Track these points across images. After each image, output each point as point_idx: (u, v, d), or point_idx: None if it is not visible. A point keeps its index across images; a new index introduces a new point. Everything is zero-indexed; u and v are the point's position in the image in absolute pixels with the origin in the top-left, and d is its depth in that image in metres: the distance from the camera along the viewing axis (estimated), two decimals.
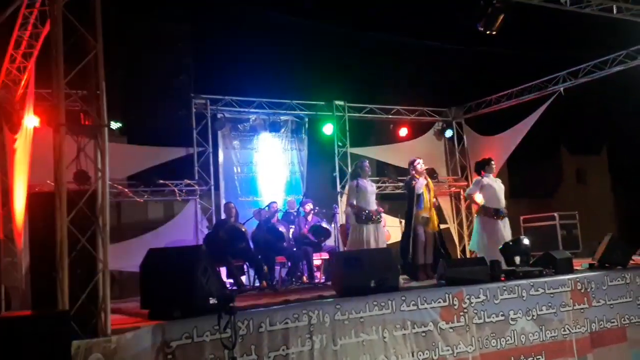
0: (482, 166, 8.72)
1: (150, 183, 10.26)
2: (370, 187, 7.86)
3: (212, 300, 5.11)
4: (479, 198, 8.54)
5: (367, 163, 8.05)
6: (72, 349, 4.15)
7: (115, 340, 4.41)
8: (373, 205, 7.79)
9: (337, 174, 11.86)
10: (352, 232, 7.76)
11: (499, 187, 8.58)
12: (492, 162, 8.75)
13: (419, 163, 8.31)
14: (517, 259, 7.55)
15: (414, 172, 8.28)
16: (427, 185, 8.28)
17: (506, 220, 8.50)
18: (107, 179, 4.77)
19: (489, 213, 8.42)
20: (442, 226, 9.27)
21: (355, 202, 7.75)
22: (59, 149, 4.58)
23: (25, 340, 4.09)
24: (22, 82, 7.96)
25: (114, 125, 9.41)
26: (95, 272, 4.59)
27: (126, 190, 9.91)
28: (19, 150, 7.81)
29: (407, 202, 8.36)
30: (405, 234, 8.19)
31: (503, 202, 8.52)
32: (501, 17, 7.91)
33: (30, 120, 7.49)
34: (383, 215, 8.30)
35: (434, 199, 8.43)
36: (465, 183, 13.20)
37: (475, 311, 6.39)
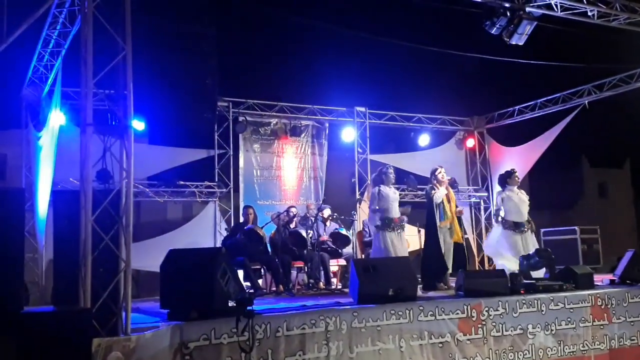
0: (505, 178, 8.60)
1: (170, 183, 10.34)
2: (393, 195, 7.79)
3: (231, 303, 5.12)
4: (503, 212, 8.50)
5: (391, 170, 7.97)
6: (92, 346, 4.19)
7: (135, 339, 4.45)
8: (396, 212, 7.72)
9: (356, 180, 11.84)
10: (375, 239, 7.71)
11: (520, 199, 8.40)
12: (515, 174, 8.61)
13: (440, 172, 8.23)
14: (542, 272, 7.50)
15: (435, 181, 8.22)
16: (447, 195, 8.21)
17: (528, 234, 8.36)
18: (132, 179, 4.82)
19: (509, 225, 8.33)
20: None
21: (377, 209, 7.68)
22: (85, 148, 4.64)
23: (46, 336, 4.14)
24: (50, 80, 8.08)
25: (137, 125, 9.48)
26: (117, 271, 4.63)
27: (147, 190, 9.98)
28: (44, 148, 7.92)
29: (427, 211, 8.30)
30: (429, 244, 8.11)
31: (524, 215, 8.38)
32: (528, 28, 7.86)
33: (56, 118, 7.59)
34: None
35: (458, 207, 8.34)
36: (486, 194, 13.12)
37: (494, 324, 6.34)
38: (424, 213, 8.45)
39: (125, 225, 4.70)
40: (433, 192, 8.11)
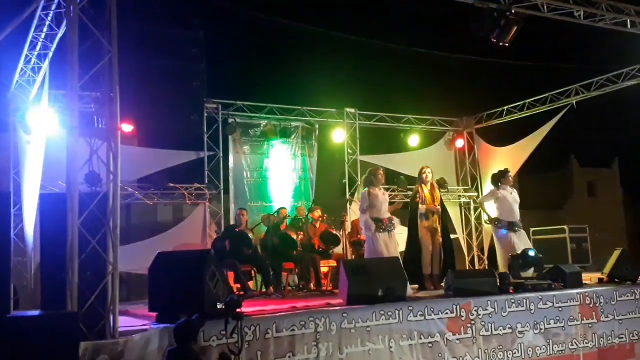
0: (499, 178, 8.65)
1: (160, 186, 10.28)
2: (382, 196, 7.81)
3: (220, 305, 5.11)
4: (489, 208, 8.56)
5: (381, 171, 7.99)
6: (79, 350, 4.17)
7: (123, 342, 4.44)
8: (385, 213, 7.74)
9: (346, 181, 11.85)
10: (367, 241, 7.73)
11: (513, 199, 8.49)
12: (509, 174, 8.68)
13: (424, 172, 8.30)
14: (531, 271, 7.55)
15: (419, 181, 8.29)
16: (432, 194, 8.25)
17: (521, 233, 8.43)
18: (118, 182, 4.80)
19: (503, 225, 8.38)
20: (452, 236, 9.22)
21: (366, 210, 7.70)
22: (71, 150, 4.62)
23: (33, 340, 4.12)
24: (37, 83, 8.03)
25: (126, 128, 9.44)
26: (104, 274, 4.62)
27: (136, 192, 9.94)
28: (32, 150, 7.87)
29: (409, 212, 8.35)
30: (410, 244, 8.16)
31: (517, 214, 8.46)
32: (514, 28, 7.89)
33: (44, 121, 7.54)
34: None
35: (438, 206, 8.37)
36: (475, 193, 13.17)
37: (483, 323, 6.37)
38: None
39: (112, 228, 4.69)
40: (417, 199, 8.16)
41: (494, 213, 8.58)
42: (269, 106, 11.34)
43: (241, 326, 4.95)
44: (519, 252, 8.04)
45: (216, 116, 10.80)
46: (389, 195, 8.29)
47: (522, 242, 8.35)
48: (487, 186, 11.44)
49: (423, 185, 8.24)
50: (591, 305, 7.11)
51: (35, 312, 4.82)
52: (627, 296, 7.42)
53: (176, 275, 5.36)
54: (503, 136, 13.18)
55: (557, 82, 11.74)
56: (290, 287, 9.26)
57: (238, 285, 8.43)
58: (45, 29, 7.13)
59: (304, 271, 9.05)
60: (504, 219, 8.42)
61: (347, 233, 9.92)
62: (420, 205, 8.15)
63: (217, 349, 4.91)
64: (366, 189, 7.81)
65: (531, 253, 7.88)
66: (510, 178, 8.69)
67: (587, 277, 8.13)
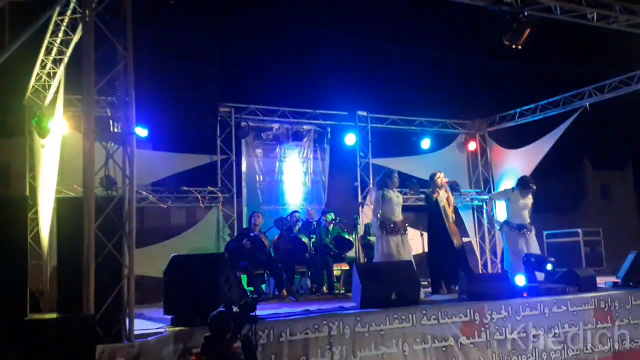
0: (522, 183, 8.61)
1: (174, 189, 10.36)
2: (397, 198, 7.81)
3: (234, 308, 5.13)
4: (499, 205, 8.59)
5: (395, 174, 8.00)
6: (96, 353, 4.20)
7: (139, 345, 4.46)
8: (399, 216, 7.75)
9: (358, 184, 11.85)
10: (379, 243, 7.72)
11: (524, 203, 8.49)
12: (533, 187, 8.59)
13: (439, 177, 8.28)
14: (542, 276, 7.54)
15: (434, 185, 8.26)
16: (447, 198, 8.24)
17: (531, 236, 8.41)
18: (134, 186, 4.84)
19: (513, 228, 8.38)
20: (464, 239, 9.20)
21: (380, 213, 7.70)
22: (88, 155, 4.67)
23: (50, 343, 4.16)
24: (52, 88, 8.11)
25: (141, 132, 9.51)
26: (120, 277, 4.65)
27: (150, 196, 10.00)
28: (47, 155, 7.96)
29: (429, 215, 8.32)
30: (438, 246, 8.12)
31: (527, 218, 8.44)
32: (527, 31, 7.85)
33: (59, 125, 7.62)
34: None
35: (453, 214, 8.36)
36: (488, 196, 13.11)
37: (497, 327, 6.35)
38: (426, 216, 8.48)
39: (128, 231, 4.72)
40: (435, 195, 8.16)
41: (502, 212, 8.62)
42: (281, 109, 11.37)
43: (255, 329, 4.97)
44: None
45: (229, 120, 10.84)
46: (402, 199, 8.27)
47: (532, 245, 8.33)
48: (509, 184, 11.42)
49: (438, 190, 8.22)
50: (606, 309, 7.07)
51: (52, 315, 4.87)
52: None
53: (191, 278, 5.40)
54: (516, 139, 13.12)
55: (570, 85, 11.67)
56: (303, 291, 9.27)
57: (251, 289, 8.45)
58: (61, 34, 7.21)
59: (316, 274, 9.06)
60: (514, 222, 8.43)
61: (359, 236, 9.92)
62: (442, 206, 8.13)
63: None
64: (380, 190, 7.81)
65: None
66: (531, 189, 8.59)
67: (602, 280, 8.08)
